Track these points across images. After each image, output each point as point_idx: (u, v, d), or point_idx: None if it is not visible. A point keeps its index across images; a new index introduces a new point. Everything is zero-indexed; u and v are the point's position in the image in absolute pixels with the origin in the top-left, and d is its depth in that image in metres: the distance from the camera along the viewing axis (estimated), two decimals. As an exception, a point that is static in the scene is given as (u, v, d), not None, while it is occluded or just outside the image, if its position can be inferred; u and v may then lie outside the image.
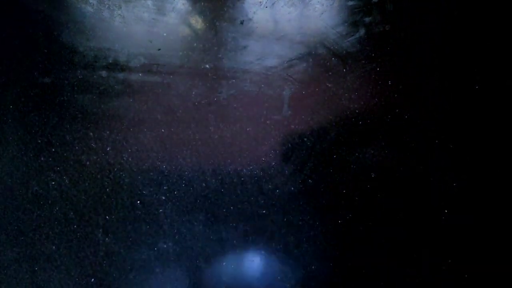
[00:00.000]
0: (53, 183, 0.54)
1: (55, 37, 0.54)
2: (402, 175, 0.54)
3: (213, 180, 0.54)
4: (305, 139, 0.54)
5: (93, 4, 0.54)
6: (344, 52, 0.54)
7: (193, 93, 0.53)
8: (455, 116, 0.54)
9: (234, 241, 0.55)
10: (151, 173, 0.54)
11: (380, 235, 0.55)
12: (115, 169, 0.54)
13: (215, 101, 0.53)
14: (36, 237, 0.54)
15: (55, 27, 0.54)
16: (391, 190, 0.54)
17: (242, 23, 0.52)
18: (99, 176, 0.54)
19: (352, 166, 0.54)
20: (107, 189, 0.55)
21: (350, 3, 0.53)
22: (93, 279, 0.55)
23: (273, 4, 0.54)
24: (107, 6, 0.54)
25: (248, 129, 0.54)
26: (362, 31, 0.54)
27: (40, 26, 0.54)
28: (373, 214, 0.55)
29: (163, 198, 0.53)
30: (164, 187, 0.54)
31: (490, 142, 0.54)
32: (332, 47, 0.54)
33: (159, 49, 0.53)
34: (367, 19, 0.53)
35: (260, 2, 0.54)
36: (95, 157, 0.54)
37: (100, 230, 0.54)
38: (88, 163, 0.54)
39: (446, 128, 0.54)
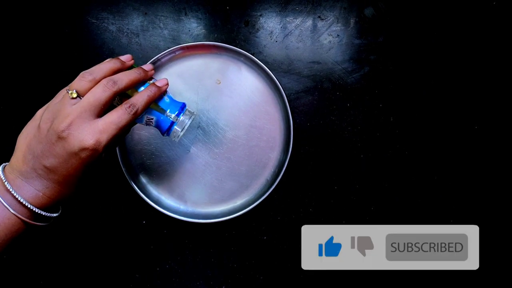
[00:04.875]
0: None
1: (75, 58, 0.57)
2: (401, 209, 0.56)
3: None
4: (308, 169, 0.56)
5: (112, 31, 0.57)
6: (349, 87, 0.56)
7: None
8: (456, 153, 0.56)
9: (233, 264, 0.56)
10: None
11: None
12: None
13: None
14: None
15: (76, 49, 0.57)
16: (389, 223, 0.56)
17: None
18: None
19: (352, 198, 0.56)
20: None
21: (357, 41, 0.56)
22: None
23: (283, 39, 0.56)
24: (125, 33, 0.57)
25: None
26: (367, 68, 0.56)
27: (62, 47, 0.57)
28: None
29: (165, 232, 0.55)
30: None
31: (490, 182, 0.56)
32: (337, 82, 0.56)
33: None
34: (372, 57, 0.56)
35: (271, 37, 0.56)
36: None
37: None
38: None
39: (446, 165, 0.56)
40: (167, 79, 0.43)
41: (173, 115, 0.43)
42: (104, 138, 0.36)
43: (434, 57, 0.56)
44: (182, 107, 0.44)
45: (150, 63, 0.53)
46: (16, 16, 0.57)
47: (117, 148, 0.53)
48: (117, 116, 0.38)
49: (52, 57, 0.57)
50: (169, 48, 0.53)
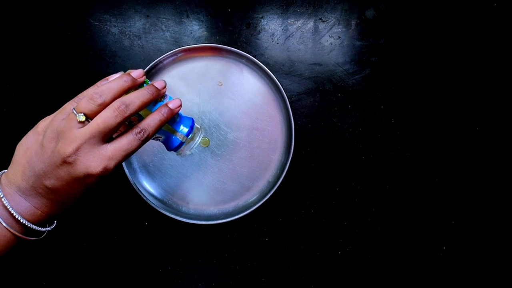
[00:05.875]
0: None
1: (77, 61, 0.57)
2: (402, 211, 0.56)
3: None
4: (309, 171, 0.56)
5: (115, 34, 0.57)
6: (350, 89, 0.56)
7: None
8: (457, 155, 0.56)
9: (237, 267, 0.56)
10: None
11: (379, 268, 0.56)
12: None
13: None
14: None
15: (78, 51, 0.57)
16: (391, 224, 0.56)
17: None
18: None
19: (354, 199, 0.56)
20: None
21: (358, 43, 0.56)
22: (98, 297, 0.56)
23: (284, 41, 0.57)
24: (128, 36, 0.57)
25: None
26: (368, 70, 0.56)
27: (64, 49, 0.57)
28: (373, 247, 0.56)
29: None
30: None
31: (490, 190, 0.56)
32: (339, 84, 0.56)
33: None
34: (373, 59, 0.56)
35: (272, 39, 0.57)
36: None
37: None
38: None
39: (447, 167, 0.56)
40: (180, 100, 0.41)
41: (182, 136, 0.42)
42: (111, 164, 0.35)
43: (435, 58, 0.56)
44: (192, 125, 0.43)
45: (152, 65, 0.53)
46: (18, 19, 0.57)
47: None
48: (127, 142, 0.36)
49: (54, 59, 0.57)
50: (171, 50, 0.54)
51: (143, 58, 0.57)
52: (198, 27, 0.57)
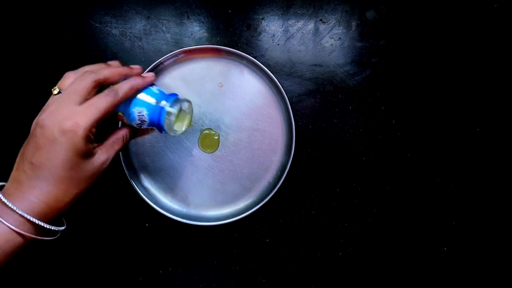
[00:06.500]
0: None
1: (78, 62, 0.57)
2: (403, 211, 0.56)
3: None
4: (310, 172, 0.56)
5: (116, 35, 0.57)
6: (351, 90, 0.56)
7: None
8: (458, 155, 0.56)
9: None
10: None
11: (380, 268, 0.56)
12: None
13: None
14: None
15: (79, 52, 0.57)
16: (391, 225, 0.56)
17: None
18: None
19: (354, 200, 0.56)
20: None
21: (358, 44, 0.56)
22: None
23: (285, 42, 0.57)
24: (128, 37, 0.57)
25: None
26: (368, 71, 0.56)
27: (65, 50, 0.57)
28: (373, 248, 0.56)
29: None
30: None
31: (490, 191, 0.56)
32: (339, 85, 0.56)
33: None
34: (373, 60, 0.56)
35: (273, 40, 0.57)
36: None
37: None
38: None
39: (448, 167, 0.56)
40: (153, 74, 0.43)
41: (163, 102, 0.41)
42: (82, 120, 0.35)
43: (435, 59, 0.56)
44: (173, 95, 0.43)
45: (153, 66, 0.53)
46: (18, 19, 0.57)
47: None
48: (97, 98, 0.37)
49: (54, 60, 0.57)
50: (171, 51, 0.54)
51: (144, 59, 0.57)
52: (198, 28, 0.57)
